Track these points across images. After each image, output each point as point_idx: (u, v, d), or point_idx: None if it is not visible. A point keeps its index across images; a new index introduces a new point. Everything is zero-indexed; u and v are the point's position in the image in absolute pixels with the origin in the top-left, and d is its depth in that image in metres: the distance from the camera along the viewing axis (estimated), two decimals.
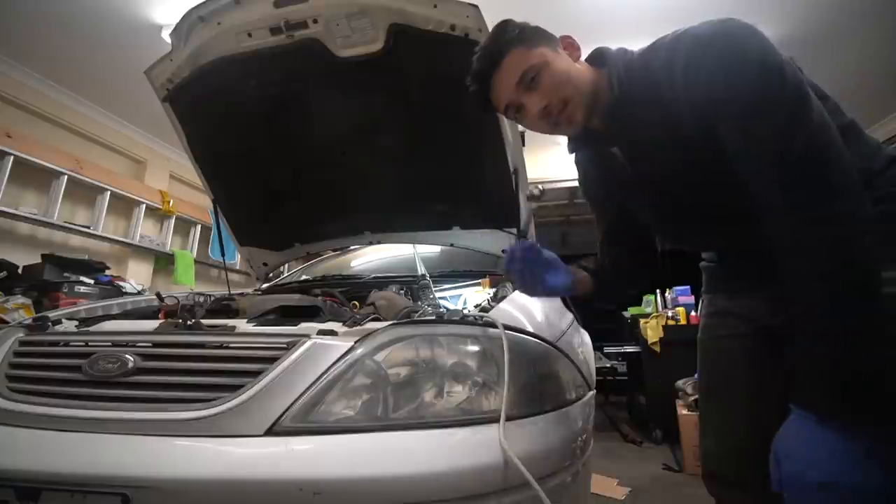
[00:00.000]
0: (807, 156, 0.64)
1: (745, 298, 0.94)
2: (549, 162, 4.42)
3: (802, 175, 0.64)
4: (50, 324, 1.08)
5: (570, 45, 0.86)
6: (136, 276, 3.99)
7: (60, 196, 3.44)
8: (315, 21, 1.24)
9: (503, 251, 0.80)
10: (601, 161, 0.98)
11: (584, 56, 0.88)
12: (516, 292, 1.16)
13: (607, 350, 4.24)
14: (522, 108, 0.83)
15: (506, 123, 1.32)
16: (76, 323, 1.10)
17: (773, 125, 0.66)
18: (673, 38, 0.78)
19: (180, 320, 1.00)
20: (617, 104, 0.82)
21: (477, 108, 0.89)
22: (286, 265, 2.58)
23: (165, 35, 2.78)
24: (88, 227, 3.70)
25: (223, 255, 1.75)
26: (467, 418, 0.77)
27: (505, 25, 0.83)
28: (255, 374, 0.77)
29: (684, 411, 2.74)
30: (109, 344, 0.91)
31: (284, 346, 0.81)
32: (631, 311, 3.83)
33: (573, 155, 1.06)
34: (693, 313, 3.35)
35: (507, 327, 0.85)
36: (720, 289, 1.02)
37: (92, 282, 3.22)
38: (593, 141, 0.93)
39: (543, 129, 0.85)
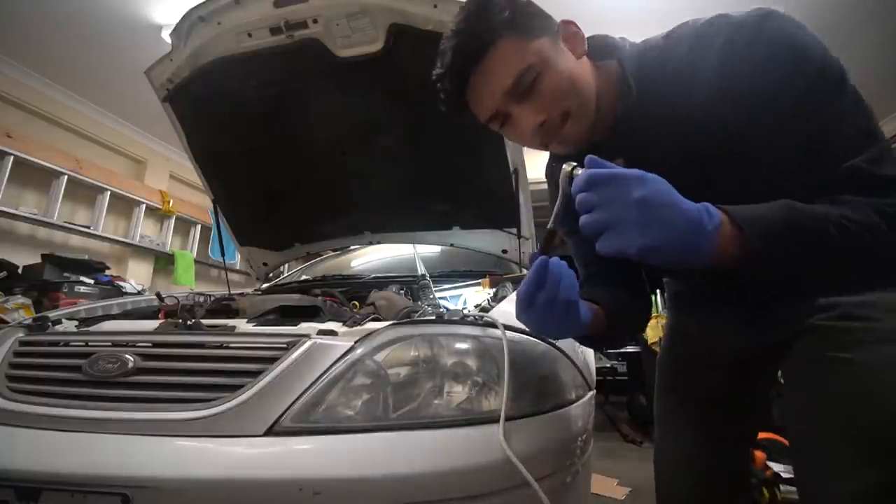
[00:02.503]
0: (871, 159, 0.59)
1: (714, 318, 0.85)
2: None
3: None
4: (50, 324, 1.08)
5: (573, 37, 0.67)
6: (136, 276, 3.99)
7: (60, 196, 3.45)
8: (315, 21, 1.24)
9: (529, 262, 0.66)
10: None
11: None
12: (516, 292, 1.15)
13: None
14: (510, 118, 0.67)
15: None
16: (76, 323, 1.10)
17: (838, 134, 0.59)
18: (705, 24, 0.64)
19: (180, 320, 1.00)
20: (631, 112, 0.68)
21: (448, 112, 0.71)
22: (286, 265, 2.58)
23: (165, 35, 2.78)
24: (88, 227, 3.70)
25: (223, 255, 1.75)
26: (467, 418, 0.77)
27: (488, 2, 0.64)
28: (255, 375, 0.77)
29: None
30: (109, 344, 0.91)
31: (284, 346, 0.81)
32: None
33: (545, 169, 0.88)
34: None
35: (507, 327, 0.84)
36: (686, 307, 0.94)
37: (92, 282, 3.22)
38: (587, 153, 0.85)
39: (532, 145, 0.70)
